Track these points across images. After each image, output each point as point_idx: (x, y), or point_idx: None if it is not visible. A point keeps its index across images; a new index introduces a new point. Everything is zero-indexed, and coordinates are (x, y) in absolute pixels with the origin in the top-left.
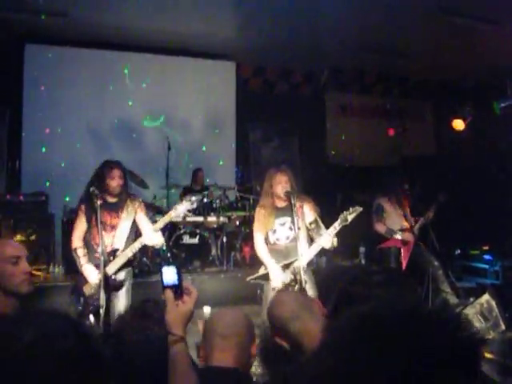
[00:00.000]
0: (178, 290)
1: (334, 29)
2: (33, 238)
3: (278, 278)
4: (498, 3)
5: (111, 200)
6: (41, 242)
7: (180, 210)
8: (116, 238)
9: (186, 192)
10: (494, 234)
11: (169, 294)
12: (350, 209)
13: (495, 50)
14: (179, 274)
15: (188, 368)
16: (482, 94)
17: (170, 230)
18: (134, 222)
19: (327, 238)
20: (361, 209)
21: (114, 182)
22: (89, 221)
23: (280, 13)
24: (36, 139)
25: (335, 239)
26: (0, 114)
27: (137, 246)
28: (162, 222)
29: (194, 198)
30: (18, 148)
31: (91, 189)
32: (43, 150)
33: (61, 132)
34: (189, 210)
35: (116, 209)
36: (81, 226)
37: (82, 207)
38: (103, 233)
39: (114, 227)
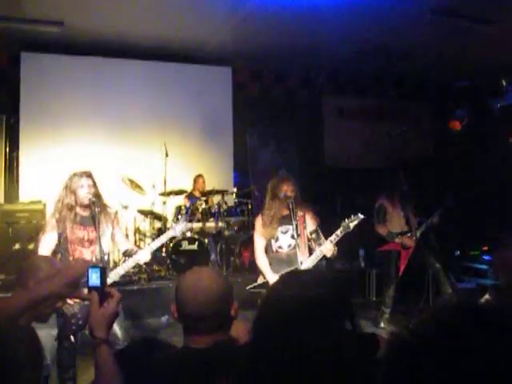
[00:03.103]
0: (100, 293)
1: (329, 31)
2: (31, 246)
3: None
4: (493, 3)
5: (83, 213)
6: None
7: (177, 230)
8: (96, 254)
9: (188, 198)
10: (494, 234)
11: (93, 296)
12: (352, 216)
13: (491, 50)
14: (102, 277)
15: (111, 369)
16: (479, 94)
17: None
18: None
19: (329, 246)
20: (362, 216)
21: (82, 190)
22: (62, 237)
23: (275, 17)
24: (34, 147)
25: (335, 248)
26: None
27: (130, 265)
28: (159, 241)
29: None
30: (16, 156)
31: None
32: (41, 157)
33: (58, 139)
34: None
35: (91, 222)
36: (49, 243)
37: (54, 222)
38: (81, 249)
39: (92, 242)
